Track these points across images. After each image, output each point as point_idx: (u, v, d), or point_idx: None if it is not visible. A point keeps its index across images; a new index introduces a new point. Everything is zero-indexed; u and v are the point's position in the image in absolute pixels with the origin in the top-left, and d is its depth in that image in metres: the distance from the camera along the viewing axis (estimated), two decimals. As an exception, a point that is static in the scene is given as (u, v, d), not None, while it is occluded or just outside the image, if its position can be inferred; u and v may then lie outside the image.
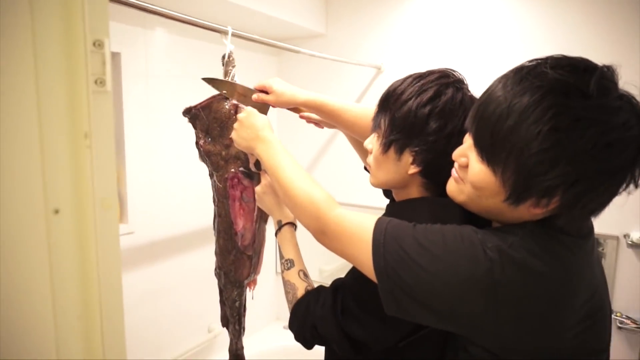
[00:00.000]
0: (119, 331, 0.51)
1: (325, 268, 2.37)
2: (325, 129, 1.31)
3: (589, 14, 1.71)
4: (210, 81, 1.07)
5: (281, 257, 1.00)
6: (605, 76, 0.63)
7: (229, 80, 1.10)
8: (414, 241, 0.69)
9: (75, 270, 0.46)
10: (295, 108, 1.20)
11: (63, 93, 0.44)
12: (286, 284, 0.96)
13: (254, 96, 1.10)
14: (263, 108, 1.10)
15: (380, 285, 0.70)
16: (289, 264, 0.97)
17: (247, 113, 1.00)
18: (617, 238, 1.72)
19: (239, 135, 1.00)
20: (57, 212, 0.44)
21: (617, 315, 1.71)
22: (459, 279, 0.65)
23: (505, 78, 0.67)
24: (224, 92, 1.07)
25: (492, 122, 0.65)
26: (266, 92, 1.12)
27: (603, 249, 1.75)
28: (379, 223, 0.74)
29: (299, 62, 2.37)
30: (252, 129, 0.98)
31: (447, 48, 1.99)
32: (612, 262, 1.74)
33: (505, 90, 0.65)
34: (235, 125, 1.01)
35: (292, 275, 0.95)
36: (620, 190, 0.65)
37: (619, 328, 1.70)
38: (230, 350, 1.20)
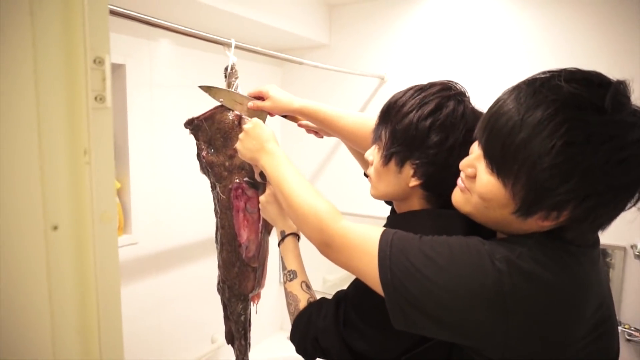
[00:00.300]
0: (117, 345, 0.50)
1: (329, 278, 2.36)
2: (328, 139, 1.31)
3: (596, 28, 1.71)
4: (207, 89, 1.07)
5: (284, 268, 0.99)
6: (619, 91, 0.62)
7: (227, 89, 1.10)
8: (420, 252, 0.69)
9: (74, 285, 0.46)
10: (293, 117, 1.19)
11: (63, 109, 0.44)
12: (288, 295, 0.95)
13: (250, 103, 1.10)
14: (261, 116, 1.10)
15: (387, 298, 0.70)
16: (292, 275, 0.96)
17: (253, 124, 1.00)
18: (624, 249, 1.71)
19: (244, 146, 1.00)
20: (55, 228, 0.44)
21: (625, 327, 1.69)
22: (467, 290, 0.65)
23: (517, 90, 0.67)
24: (221, 100, 1.07)
25: (504, 134, 0.64)
26: (263, 99, 1.11)
27: (611, 259, 1.73)
28: (384, 235, 0.74)
29: (302, 72, 2.38)
30: (257, 140, 0.97)
31: (451, 58, 1.99)
32: (620, 272, 1.72)
33: (518, 102, 0.64)
34: (241, 135, 1.01)
35: (295, 286, 0.95)
36: (630, 205, 0.64)
37: (628, 340, 1.68)
38: None
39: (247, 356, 1.18)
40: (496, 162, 0.67)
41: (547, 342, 0.66)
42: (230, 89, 1.09)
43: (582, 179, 0.60)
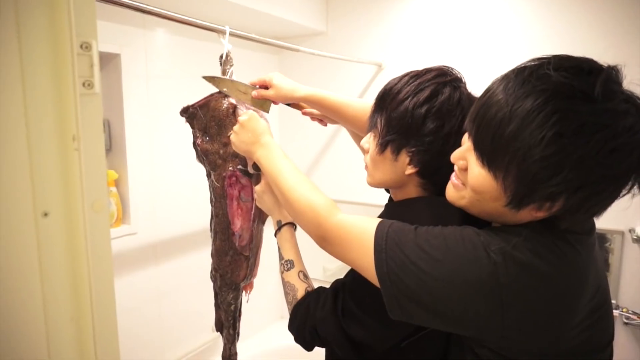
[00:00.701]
0: (111, 332, 0.51)
1: (329, 266, 2.37)
2: (326, 127, 1.30)
3: (591, 9, 1.69)
4: (211, 79, 1.06)
5: (281, 257, 0.99)
6: (610, 78, 0.61)
7: (231, 79, 1.09)
8: (415, 246, 0.69)
9: (66, 272, 0.46)
10: (297, 105, 1.18)
11: (50, 96, 0.44)
12: (286, 285, 0.95)
13: (254, 92, 1.08)
14: (265, 105, 1.08)
15: (384, 291, 0.70)
16: (289, 265, 0.96)
17: (249, 116, 0.99)
18: (622, 233, 1.71)
19: (239, 138, 0.99)
20: (46, 214, 0.44)
21: (623, 311, 1.69)
22: (462, 282, 0.65)
23: (506, 79, 0.65)
24: (225, 90, 1.06)
25: (494, 126, 0.63)
26: (266, 88, 1.10)
27: (610, 244, 1.73)
28: (380, 228, 0.74)
29: (300, 60, 2.37)
30: (253, 133, 0.97)
31: (448, 44, 1.98)
32: (618, 257, 1.72)
33: (507, 93, 0.63)
34: (235, 128, 1.00)
35: (292, 276, 0.95)
36: (624, 193, 0.64)
37: (625, 324, 1.69)
38: (223, 357, 1.19)
39: (235, 345, 1.18)
40: (486, 154, 0.66)
41: (544, 331, 0.66)
42: (233, 79, 1.08)
43: (574, 170, 0.59)
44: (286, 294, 0.95)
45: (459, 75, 0.86)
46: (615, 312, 1.68)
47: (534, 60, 0.65)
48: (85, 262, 0.47)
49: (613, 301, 1.70)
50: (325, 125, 1.24)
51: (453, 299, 0.66)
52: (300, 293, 0.92)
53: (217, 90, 1.07)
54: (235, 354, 1.19)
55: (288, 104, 1.16)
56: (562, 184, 0.60)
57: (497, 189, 0.66)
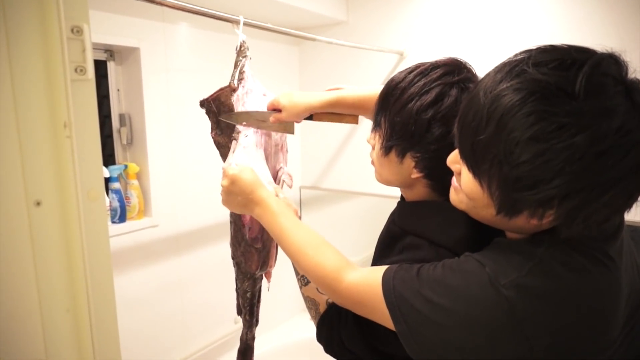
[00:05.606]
0: (110, 323, 0.50)
1: (352, 260, 2.34)
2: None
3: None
4: (229, 117, 1.03)
5: (296, 273, 0.96)
6: (598, 70, 0.53)
7: (247, 111, 1.05)
8: (422, 298, 0.65)
9: (61, 263, 0.46)
10: (320, 115, 1.07)
11: (41, 82, 0.43)
12: (306, 300, 0.92)
13: (271, 118, 1.03)
14: (288, 127, 1.04)
15: (407, 348, 0.66)
16: (306, 280, 0.93)
17: (230, 180, 0.91)
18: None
19: (231, 204, 0.94)
20: (38, 203, 0.44)
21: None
22: (480, 327, 0.60)
23: (487, 77, 0.59)
24: (244, 123, 1.02)
25: (472, 130, 0.58)
26: (280, 110, 1.03)
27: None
28: (385, 282, 0.70)
29: (320, 50, 2.34)
30: (242, 195, 0.91)
31: (471, 32, 1.91)
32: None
33: (485, 93, 0.57)
34: (222, 194, 0.94)
35: (311, 290, 0.91)
36: (634, 198, 0.57)
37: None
38: (241, 339, 1.21)
39: (253, 330, 1.18)
40: (470, 161, 0.61)
41: (581, 351, 0.61)
42: (249, 110, 1.03)
43: (556, 177, 0.53)
44: (308, 309, 0.92)
45: (468, 74, 0.79)
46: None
47: (518, 54, 0.59)
48: (80, 252, 0.46)
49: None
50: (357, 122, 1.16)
51: (477, 345, 0.61)
52: (322, 307, 0.89)
53: (227, 85, 1.04)
54: (253, 337, 1.19)
55: (309, 118, 1.07)
56: (546, 192, 0.54)
57: (485, 196, 0.61)
